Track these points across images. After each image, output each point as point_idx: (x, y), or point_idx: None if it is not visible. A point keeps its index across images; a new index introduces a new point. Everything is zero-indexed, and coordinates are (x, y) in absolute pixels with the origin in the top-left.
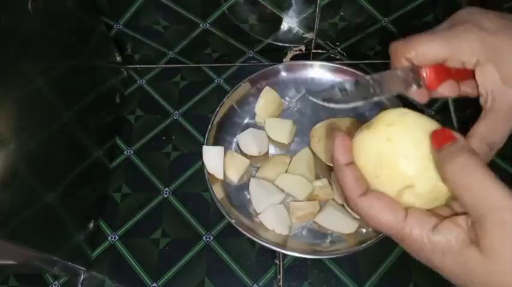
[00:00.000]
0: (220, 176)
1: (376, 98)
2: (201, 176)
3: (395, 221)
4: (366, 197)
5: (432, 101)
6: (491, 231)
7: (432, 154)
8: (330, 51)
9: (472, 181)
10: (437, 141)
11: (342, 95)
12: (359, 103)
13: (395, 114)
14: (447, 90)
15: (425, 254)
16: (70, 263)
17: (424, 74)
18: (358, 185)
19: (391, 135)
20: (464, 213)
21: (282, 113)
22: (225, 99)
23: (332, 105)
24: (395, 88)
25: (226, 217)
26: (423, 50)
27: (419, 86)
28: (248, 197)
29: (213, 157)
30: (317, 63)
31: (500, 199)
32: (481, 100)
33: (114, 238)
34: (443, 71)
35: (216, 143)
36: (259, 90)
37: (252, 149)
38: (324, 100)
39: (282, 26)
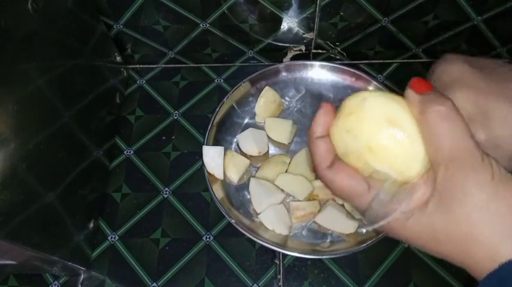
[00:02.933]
0: (220, 176)
1: None
2: (201, 176)
3: (358, 191)
4: (332, 167)
5: None
6: (457, 183)
7: (411, 97)
8: (330, 51)
9: (453, 125)
10: (419, 87)
11: None
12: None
13: (355, 101)
14: None
15: (391, 224)
16: (70, 263)
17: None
18: (326, 157)
19: (350, 127)
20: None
21: (282, 113)
22: (225, 99)
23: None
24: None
25: (226, 216)
26: None
27: None
28: (248, 197)
29: (213, 157)
30: (317, 63)
31: (472, 148)
32: None
33: (114, 238)
34: None
35: (216, 143)
36: (259, 90)
37: (252, 149)
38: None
39: (282, 26)
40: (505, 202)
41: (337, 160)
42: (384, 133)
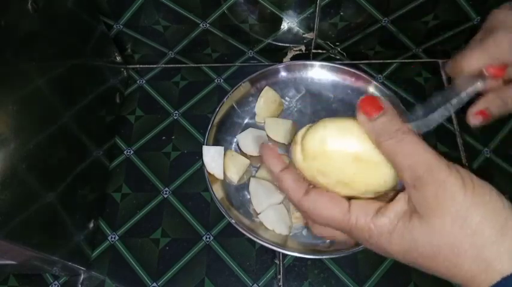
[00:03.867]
0: (220, 176)
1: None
2: (201, 176)
3: (339, 214)
4: (309, 196)
5: None
6: (429, 198)
7: (363, 123)
8: (330, 51)
9: (408, 151)
10: (367, 110)
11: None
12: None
13: (315, 145)
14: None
15: (374, 240)
16: (70, 263)
17: (486, 73)
18: (298, 186)
19: (318, 169)
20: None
21: (282, 113)
22: (225, 99)
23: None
24: (469, 88)
25: (226, 216)
26: (469, 67)
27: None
28: (248, 197)
29: (213, 157)
30: (317, 63)
31: (433, 161)
32: None
33: (114, 238)
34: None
35: (216, 143)
36: (259, 90)
37: (252, 149)
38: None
39: (282, 26)
40: (481, 210)
41: (310, 186)
42: (352, 169)
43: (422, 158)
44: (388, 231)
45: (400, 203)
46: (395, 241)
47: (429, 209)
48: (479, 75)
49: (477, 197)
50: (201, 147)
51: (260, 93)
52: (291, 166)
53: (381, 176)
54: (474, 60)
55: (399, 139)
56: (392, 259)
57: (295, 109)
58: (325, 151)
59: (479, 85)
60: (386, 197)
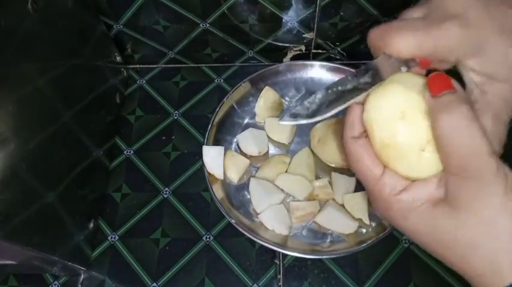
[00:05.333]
0: (220, 176)
1: (363, 94)
2: (201, 176)
3: (370, 177)
4: (357, 141)
5: None
6: (468, 192)
7: (427, 100)
8: (330, 51)
9: (463, 134)
10: (435, 87)
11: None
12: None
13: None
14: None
15: (393, 213)
16: (70, 263)
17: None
18: (354, 127)
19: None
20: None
21: (282, 113)
22: (225, 99)
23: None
24: (390, 72)
25: (226, 216)
26: (402, 48)
27: (410, 66)
28: (248, 197)
29: (213, 157)
30: (317, 63)
31: (486, 158)
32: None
33: (114, 238)
34: None
35: (216, 143)
36: (259, 90)
37: (252, 149)
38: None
39: (282, 26)
40: (508, 220)
41: (364, 136)
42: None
43: (477, 151)
44: (407, 209)
45: (429, 186)
46: (412, 220)
47: (462, 202)
48: (406, 60)
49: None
50: (201, 147)
51: (260, 93)
52: (362, 108)
53: (425, 164)
54: (412, 42)
55: (462, 119)
56: (391, 261)
57: None
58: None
59: (402, 71)
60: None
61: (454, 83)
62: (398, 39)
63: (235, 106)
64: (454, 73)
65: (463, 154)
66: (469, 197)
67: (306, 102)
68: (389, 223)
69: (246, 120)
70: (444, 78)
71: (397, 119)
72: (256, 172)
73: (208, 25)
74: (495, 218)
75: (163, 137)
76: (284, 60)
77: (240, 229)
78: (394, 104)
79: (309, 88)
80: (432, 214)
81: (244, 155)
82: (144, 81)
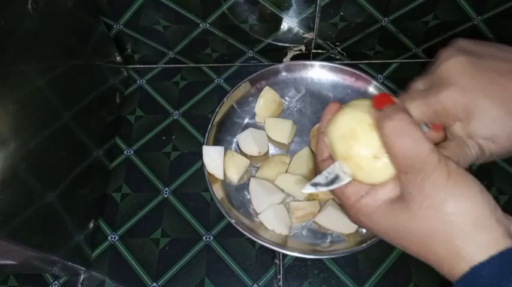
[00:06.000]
0: (220, 176)
1: None
2: (201, 176)
3: (338, 190)
4: (324, 163)
5: None
6: (415, 185)
7: (373, 114)
8: (330, 51)
9: (404, 136)
10: (379, 102)
11: None
12: None
13: (344, 133)
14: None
15: (360, 217)
16: (70, 263)
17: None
18: (322, 152)
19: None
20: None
21: (282, 113)
22: (225, 99)
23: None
24: None
25: (226, 216)
26: (412, 115)
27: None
28: (248, 197)
29: (213, 157)
30: (317, 63)
31: (427, 153)
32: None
33: (114, 238)
34: None
35: (216, 143)
36: (259, 90)
37: (252, 149)
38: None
39: (282, 26)
40: (458, 202)
41: (330, 158)
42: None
43: (420, 149)
44: (371, 210)
45: (386, 187)
46: (376, 219)
47: (411, 194)
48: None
49: (457, 189)
50: (201, 147)
51: (260, 93)
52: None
53: (379, 171)
54: (416, 110)
55: (402, 124)
56: (391, 261)
57: (295, 109)
58: (354, 136)
59: (424, 129)
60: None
61: (394, 99)
62: (408, 109)
63: (235, 106)
64: None
65: (407, 153)
66: (417, 190)
67: (325, 172)
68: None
69: (246, 120)
70: (386, 96)
71: (348, 135)
72: (256, 172)
73: (208, 25)
74: (442, 204)
75: (163, 137)
76: (284, 60)
77: (240, 229)
78: (344, 123)
79: (309, 88)
80: (390, 210)
81: (244, 155)
82: (144, 81)
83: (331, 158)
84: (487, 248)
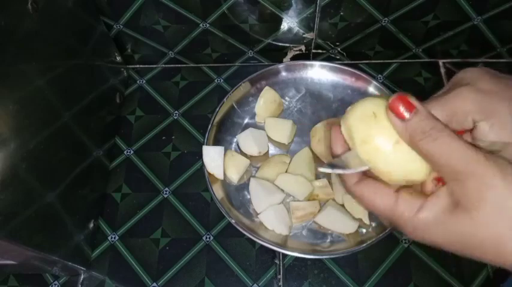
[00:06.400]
0: (220, 176)
1: None
2: (201, 176)
3: (386, 207)
4: (360, 184)
5: None
6: (470, 191)
7: (395, 125)
8: (330, 51)
9: (447, 151)
10: (398, 111)
11: None
12: None
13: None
14: None
15: (420, 233)
16: (70, 263)
17: None
18: (353, 174)
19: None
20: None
21: (282, 113)
22: (225, 99)
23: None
24: None
25: (226, 216)
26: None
27: None
28: (248, 197)
29: (213, 157)
30: (317, 63)
31: (470, 156)
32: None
33: (114, 238)
34: None
35: (216, 143)
36: (259, 90)
37: (252, 149)
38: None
39: (282, 26)
40: None
41: (365, 176)
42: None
43: (459, 155)
44: (433, 224)
45: (442, 198)
46: (439, 233)
47: (471, 202)
48: None
49: None
50: (201, 147)
51: (260, 93)
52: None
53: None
54: (436, 112)
55: (434, 138)
56: (391, 261)
57: (295, 109)
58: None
59: None
60: (425, 187)
61: (413, 100)
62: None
63: (235, 106)
64: None
65: (449, 163)
66: (474, 195)
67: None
68: (389, 223)
69: (246, 120)
70: (403, 99)
71: (369, 118)
72: (256, 172)
73: (208, 25)
74: (506, 204)
75: (163, 137)
76: (284, 60)
77: (240, 229)
78: (364, 108)
79: (309, 88)
80: (452, 222)
81: (244, 155)
82: (144, 81)
83: (348, 149)
84: None
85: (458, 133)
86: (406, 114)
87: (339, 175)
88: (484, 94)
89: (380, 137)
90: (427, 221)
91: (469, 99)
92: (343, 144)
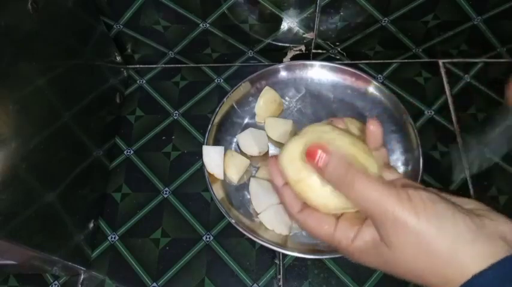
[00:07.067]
0: (220, 176)
1: None
2: (201, 176)
3: (326, 236)
4: (302, 213)
5: (432, 100)
6: (389, 232)
7: (318, 171)
8: (330, 51)
9: (363, 195)
10: (314, 161)
11: None
12: None
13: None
14: None
15: (356, 256)
16: (70, 263)
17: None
18: (295, 203)
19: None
20: None
21: (282, 113)
22: (225, 99)
23: None
24: None
25: (226, 216)
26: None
27: None
28: (248, 197)
29: (213, 157)
30: (317, 63)
31: (382, 198)
32: None
33: (114, 238)
34: None
35: (216, 143)
36: (259, 90)
37: (252, 149)
38: None
39: (282, 26)
40: (438, 228)
41: (306, 205)
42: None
43: (374, 197)
44: (365, 251)
45: (370, 229)
46: (371, 259)
47: (390, 240)
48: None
49: (431, 218)
50: (201, 147)
51: (260, 93)
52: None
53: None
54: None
55: (349, 183)
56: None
57: (295, 109)
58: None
59: None
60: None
61: (324, 146)
62: None
63: (235, 106)
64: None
65: (365, 207)
66: (391, 234)
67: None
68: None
69: (246, 120)
70: (316, 147)
71: (297, 160)
72: (256, 172)
73: (208, 25)
74: (420, 238)
75: (163, 137)
76: (284, 60)
77: (240, 229)
78: (292, 151)
79: (309, 88)
80: (379, 252)
81: (244, 155)
82: (144, 81)
83: (305, 207)
84: (484, 258)
85: None
86: (321, 163)
87: (282, 204)
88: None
89: (310, 177)
90: (360, 249)
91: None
92: (282, 178)
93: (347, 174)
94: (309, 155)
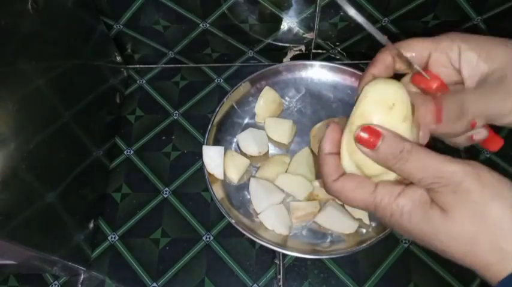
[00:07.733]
0: (220, 176)
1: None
2: (201, 176)
3: (365, 195)
4: (339, 181)
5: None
6: (448, 197)
7: (367, 155)
8: (330, 51)
9: (420, 168)
10: (366, 142)
11: None
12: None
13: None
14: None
15: (396, 218)
16: (70, 263)
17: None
18: (335, 171)
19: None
20: None
21: (282, 113)
22: (225, 99)
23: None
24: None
25: (226, 216)
26: (413, 45)
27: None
28: (248, 197)
29: (213, 157)
30: (317, 63)
31: (444, 167)
32: (466, 84)
33: (114, 238)
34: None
35: (216, 143)
36: (259, 90)
37: (252, 149)
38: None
39: (282, 26)
40: (499, 204)
41: (342, 175)
42: None
43: (432, 169)
44: (408, 211)
45: (420, 190)
46: (414, 220)
47: (449, 204)
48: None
49: (495, 193)
50: (201, 147)
51: (260, 93)
52: (337, 155)
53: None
54: (418, 42)
55: (405, 160)
56: (391, 261)
57: (295, 109)
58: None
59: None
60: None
61: (378, 128)
62: (411, 41)
63: (235, 106)
64: None
65: (424, 178)
66: (452, 200)
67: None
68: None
69: (246, 120)
70: (369, 129)
71: (385, 105)
72: (256, 172)
73: (208, 25)
74: (483, 209)
75: (163, 137)
76: (284, 60)
77: (240, 229)
78: (383, 93)
79: (309, 88)
80: (429, 216)
81: (244, 155)
82: (144, 81)
83: (336, 153)
84: None
85: (443, 89)
86: (374, 144)
87: (320, 173)
88: (470, 36)
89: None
90: (405, 208)
91: (456, 37)
92: (334, 146)
93: (403, 150)
94: (360, 137)
